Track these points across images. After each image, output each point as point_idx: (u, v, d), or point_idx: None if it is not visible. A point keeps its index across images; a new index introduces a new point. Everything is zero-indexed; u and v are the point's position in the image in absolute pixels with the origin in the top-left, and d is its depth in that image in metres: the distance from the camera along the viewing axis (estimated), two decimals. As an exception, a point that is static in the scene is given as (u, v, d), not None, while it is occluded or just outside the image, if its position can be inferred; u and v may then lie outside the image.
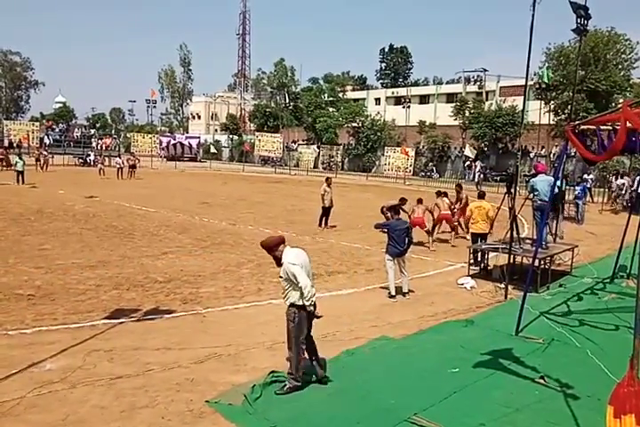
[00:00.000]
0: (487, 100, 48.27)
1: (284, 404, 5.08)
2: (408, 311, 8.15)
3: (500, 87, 52.79)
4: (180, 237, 13.57)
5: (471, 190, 30.36)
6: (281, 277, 5.31)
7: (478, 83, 53.15)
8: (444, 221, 14.28)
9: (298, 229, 15.20)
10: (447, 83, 68.93)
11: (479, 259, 10.91)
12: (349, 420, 4.82)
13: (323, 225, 15.70)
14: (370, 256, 12.05)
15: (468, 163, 39.67)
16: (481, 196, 11.46)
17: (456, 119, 42.74)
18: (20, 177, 25.72)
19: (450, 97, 55.34)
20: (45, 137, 50.16)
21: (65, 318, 7.31)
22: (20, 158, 26.96)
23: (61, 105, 79.73)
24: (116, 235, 13.63)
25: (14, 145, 41.58)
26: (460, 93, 51.28)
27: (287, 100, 55.49)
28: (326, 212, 15.77)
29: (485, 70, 52.45)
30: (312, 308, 5.26)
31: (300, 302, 5.20)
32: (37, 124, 48.37)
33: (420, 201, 13.35)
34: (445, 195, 14.19)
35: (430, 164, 43.09)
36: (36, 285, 8.83)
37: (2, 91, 72.28)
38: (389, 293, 8.82)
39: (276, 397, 5.19)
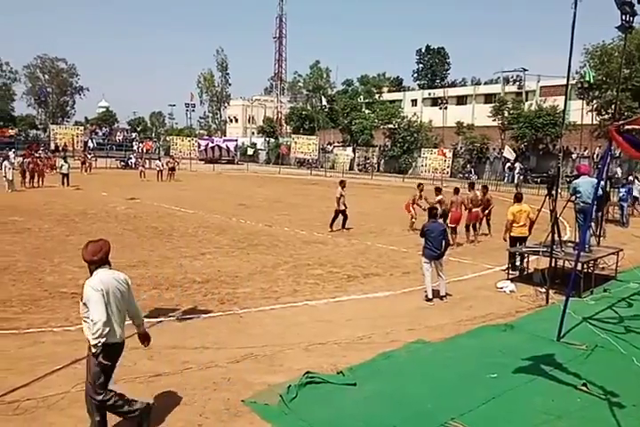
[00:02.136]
0: (527, 100, 47.24)
1: (320, 405, 5.08)
2: (445, 315, 8.04)
3: (541, 87, 51.60)
4: (217, 238, 13.76)
5: (511, 192, 29.88)
6: (82, 298, 4.35)
7: (518, 83, 52.10)
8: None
9: (333, 231, 15.19)
10: (485, 83, 67.81)
11: (517, 262, 10.68)
12: (386, 423, 4.78)
13: (340, 228, 15.36)
14: (406, 258, 11.94)
15: (507, 164, 38.88)
16: (519, 199, 11.22)
17: (495, 120, 41.97)
18: (66, 179, 26.59)
19: (488, 97, 54.44)
20: (89, 141, 51.85)
21: (107, 316, 7.49)
22: (66, 161, 27.89)
23: (104, 109, 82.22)
24: (156, 235, 13.93)
25: (60, 148, 43.03)
26: (499, 94, 50.36)
27: (323, 103, 55.62)
28: (342, 214, 15.45)
29: (525, 70, 51.39)
30: (99, 350, 4.18)
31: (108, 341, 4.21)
32: (82, 128, 50.05)
33: (456, 191, 13.99)
34: (457, 191, 14.40)
35: (468, 165, 42.42)
36: (79, 284, 9.04)
37: (49, 96, 74.89)
38: (426, 296, 8.72)
39: (312, 398, 5.19)
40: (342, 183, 15.69)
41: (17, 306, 7.80)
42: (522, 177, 34.33)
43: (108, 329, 4.18)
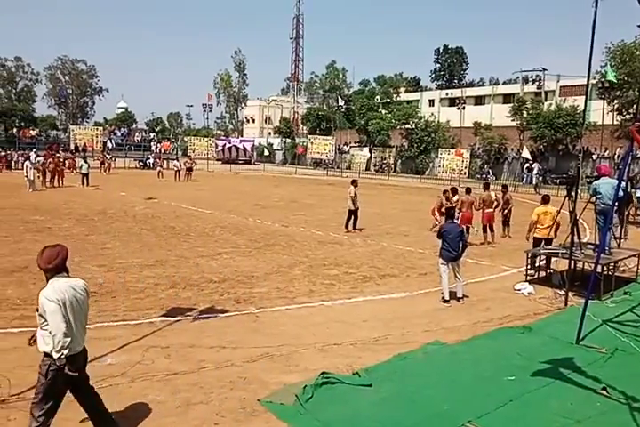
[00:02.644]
0: (546, 100, 46.67)
1: (336, 405, 5.08)
2: (462, 316, 7.98)
3: (560, 87, 50.97)
4: (234, 238, 13.84)
5: (529, 193, 29.61)
6: (37, 310, 4.17)
7: (537, 82, 51.49)
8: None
9: (349, 232, 15.16)
10: (504, 83, 67.24)
11: (537, 264, 10.56)
12: (402, 425, 4.76)
13: (350, 228, 15.33)
14: (423, 260, 11.88)
15: (526, 165, 38.47)
16: (546, 200, 11.11)
17: (513, 120, 41.55)
18: (85, 179, 26.95)
19: (506, 97, 53.96)
20: (108, 141, 52.51)
21: (125, 314, 7.60)
22: (85, 161, 28.27)
23: (123, 110, 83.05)
24: (174, 235, 14.05)
25: (80, 149, 43.64)
26: (518, 94, 49.91)
27: (339, 103, 55.59)
28: (354, 214, 15.42)
29: (544, 69, 50.79)
30: (62, 362, 3.95)
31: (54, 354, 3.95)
32: (101, 128, 50.60)
33: (468, 191, 14.04)
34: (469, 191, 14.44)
35: (486, 166, 42.06)
36: (98, 282, 9.22)
37: (69, 97, 75.94)
38: (443, 297, 8.66)
39: (327, 398, 5.19)
40: (354, 182, 15.67)
41: (37, 304, 7.90)
42: (541, 178, 33.93)
43: (69, 340, 3.97)
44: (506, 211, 14.79)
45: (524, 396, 5.32)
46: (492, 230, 14.20)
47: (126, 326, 7.09)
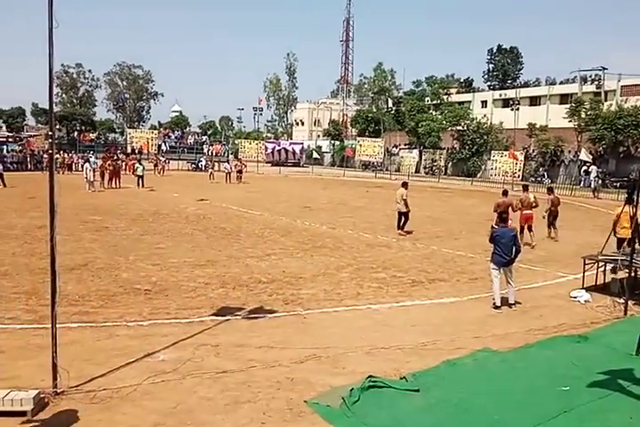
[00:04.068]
0: (606, 100, 44.79)
1: (383, 410, 5.04)
2: (514, 323, 7.77)
3: (622, 86, 48.75)
4: (282, 240, 13.98)
5: (587, 197, 28.51)
6: None
7: (596, 82, 49.50)
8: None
9: (398, 235, 15.04)
10: (561, 83, 64.98)
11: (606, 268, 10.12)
12: (449, 432, 4.68)
13: (401, 230, 15.27)
14: (474, 264, 11.64)
15: (584, 168, 37.05)
16: (628, 201, 10.75)
17: (570, 121, 40.09)
18: (140, 181, 27.90)
19: (563, 98, 52.10)
20: (162, 144, 54.04)
21: (177, 312, 7.81)
22: (140, 164, 29.27)
23: (177, 114, 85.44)
24: (224, 236, 14.33)
25: (136, 151, 45.19)
26: (576, 94, 48.06)
27: (389, 105, 55.23)
28: (404, 216, 15.33)
29: (604, 68, 48.75)
30: None
31: None
32: (156, 131, 52.24)
33: (525, 188, 14.20)
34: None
35: (541, 168, 40.75)
36: (152, 281, 9.52)
37: (127, 102, 78.87)
38: (494, 303, 8.45)
39: (374, 402, 5.16)
40: (405, 185, 15.59)
41: (95, 300, 8.26)
42: (600, 181, 32.59)
43: None
44: (547, 212, 14.78)
45: (578, 408, 5.12)
46: (530, 230, 14.02)
47: (178, 324, 7.28)
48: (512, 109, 47.68)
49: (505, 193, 14.34)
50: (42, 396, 4.92)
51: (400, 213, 15.29)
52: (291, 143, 59.73)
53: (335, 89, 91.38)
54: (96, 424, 4.63)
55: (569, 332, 7.40)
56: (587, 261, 9.96)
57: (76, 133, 61.00)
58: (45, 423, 4.65)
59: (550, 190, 15.37)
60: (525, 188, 15.00)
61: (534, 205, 14.27)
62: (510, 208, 13.71)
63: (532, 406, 5.18)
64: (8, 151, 41.64)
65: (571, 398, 5.34)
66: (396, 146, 54.77)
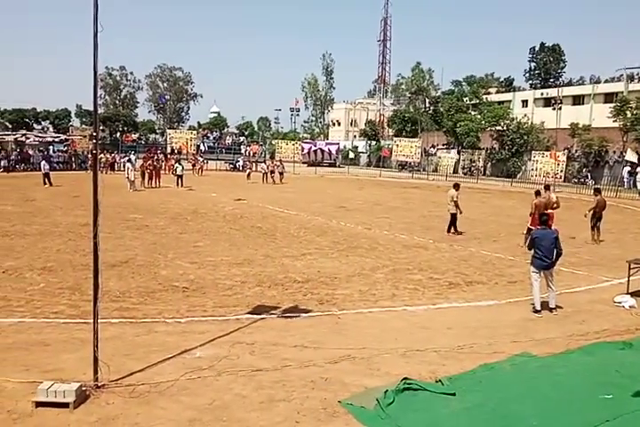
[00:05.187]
0: (655, 98, 43.15)
1: (418, 413, 4.99)
2: (554, 328, 7.56)
3: (671, 84, 46.91)
4: (317, 240, 14.01)
5: (634, 199, 27.50)
6: None
7: (643, 80, 47.80)
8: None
9: (435, 236, 14.88)
10: (605, 81, 62.92)
11: None
12: (486, 437, 4.59)
13: (452, 232, 15.35)
14: (513, 267, 11.39)
15: (627, 168, 35.78)
16: None
17: (615, 121, 38.77)
18: (179, 180, 28.44)
19: (608, 97, 50.42)
20: (201, 144, 54.96)
21: (213, 310, 7.92)
22: (180, 164, 29.83)
23: (216, 115, 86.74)
24: (260, 235, 14.46)
25: (175, 152, 46.08)
26: (621, 92, 46.47)
27: (426, 105, 54.65)
28: (456, 218, 15.41)
29: (652, 66, 47.00)
30: None
31: None
32: (195, 132, 53.12)
33: (547, 187, 14.30)
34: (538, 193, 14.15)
35: (584, 169, 39.57)
36: (190, 278, 9.69)
37: (167, 103, 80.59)
38: (534, 307, 8.24)
39: (409, 405, 5.11)
40: (457, 186, 15.56)
41: (135, 297, 8.46)
42: (646, 183, 31.41)
43: None
44: (589, 212, 14.61)
45: (622, 417, 4.95)
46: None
47: (214, 322, 7.39)
48: (554, 109, 46.46)
49: (538, 193, 14.13)
50: (83, 389, 5.07)
51: (452, 215, 15.31)
52: (327, 143, 59.74)
53: (372, 89, 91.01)
54: (135, 418, 4.74)
55: (612, 338, 7.16)
56: (632, 266, 9.61)
57: (118, 134, 62.70)
58: (86, 415, 4.78)
59: (597, 191, 15.19)
60: (547, 187, 14.97)
61: (555, 205, 14.14)
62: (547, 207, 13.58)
63: (573, 413, 5.03)
64: (54, 151, 43.11)
65: (614, 406, 5.15)
66: (433, 146, 54.14)
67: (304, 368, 5.92)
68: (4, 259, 10.74)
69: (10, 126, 63.70)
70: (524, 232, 13.84)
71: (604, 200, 14.83)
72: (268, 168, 34.31)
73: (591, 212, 14.59)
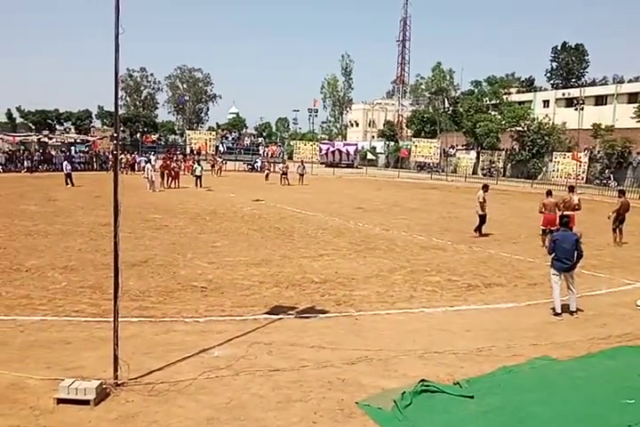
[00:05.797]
0: (680, 98, 42.31)
1: (436, 415, 4.96)
2: (575, 332, 7.45)
3: (697, 83, 45.93)
4: (335, 241, 14.00)
5: (656, 201, 26.95)
6: None
7: (669, 79, 46.85)
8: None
9: (453, 238, 14.78)
10: (629, 81, 61.89)
11: None
12: (504, 441, 4.54)
13: (477, 233, 15.25)
14: (533, 269, 11.25)
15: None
16: None
17: (639, 121, 38.12)
18: (198, 181, 28.67)
19: (632, 97, 49.64)
20: (220, 145, 55.32)
21: (231, 310, 7.97)
22: (199, 164, 30.07)
23: (234, 116, 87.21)
24: (278, 236, 14.51)
25: (195, 152, 46.49)
26: (646, 92, 45.68)
27: (446, 105, 54.32)
28: (481, 219, 15.31)
29: (678, 65, 46.05)
30: None
31: None
32: (214, 133, 53.54)
33: (571, 189, 13.97)
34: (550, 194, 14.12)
35: (607, 171, 38.93)
36: (208, 278, 9.76)
37: (187, 104, 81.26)
38: (554, 310, 8.13)
39: (426, 407, 5.08)
40: (485, 188, 15.54)
41: (154, 296, 8.55)
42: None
43: None
44: (612, 214, 14.40)
45: (645, 423, 4.85)
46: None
47: (232, 322, 7.43)
48: (576, 109, 45.81)
49: (549, 193, 14.12)
50: (104, 386, 5.14)
51: (480, 216, 15.28)
52: (345, 144, 59.74)
53: (391, 89, 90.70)
54: (154, 416, 4.79)
55: (634, 342, 7.03)
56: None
57: (138, 135, 63.37)
58: (106, 413, 4.85)
59: (622, 193, 15.04)
60: (571, 189, 14.83)
61: (577, 207, 14.00)
62: (557, 208, 13.63)
63: (593, 418, 4.95)
64: (76, 152, 43.82)
65: (636, 411, 5.06)
66: (452, 147, 53.78)
67: (321, 369, 5.92)
68: (27, 258, 10.94)
69: (33, 127, 64.78)
70: (540, 233, 13.79)
71: (627, 202, 14.60)
72: (283, 169, 34.30)
73: (614, 214, 14.37)
